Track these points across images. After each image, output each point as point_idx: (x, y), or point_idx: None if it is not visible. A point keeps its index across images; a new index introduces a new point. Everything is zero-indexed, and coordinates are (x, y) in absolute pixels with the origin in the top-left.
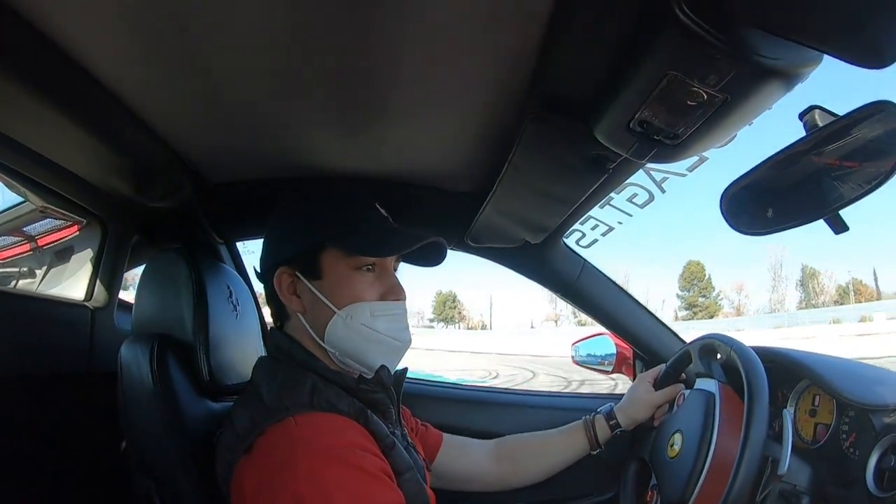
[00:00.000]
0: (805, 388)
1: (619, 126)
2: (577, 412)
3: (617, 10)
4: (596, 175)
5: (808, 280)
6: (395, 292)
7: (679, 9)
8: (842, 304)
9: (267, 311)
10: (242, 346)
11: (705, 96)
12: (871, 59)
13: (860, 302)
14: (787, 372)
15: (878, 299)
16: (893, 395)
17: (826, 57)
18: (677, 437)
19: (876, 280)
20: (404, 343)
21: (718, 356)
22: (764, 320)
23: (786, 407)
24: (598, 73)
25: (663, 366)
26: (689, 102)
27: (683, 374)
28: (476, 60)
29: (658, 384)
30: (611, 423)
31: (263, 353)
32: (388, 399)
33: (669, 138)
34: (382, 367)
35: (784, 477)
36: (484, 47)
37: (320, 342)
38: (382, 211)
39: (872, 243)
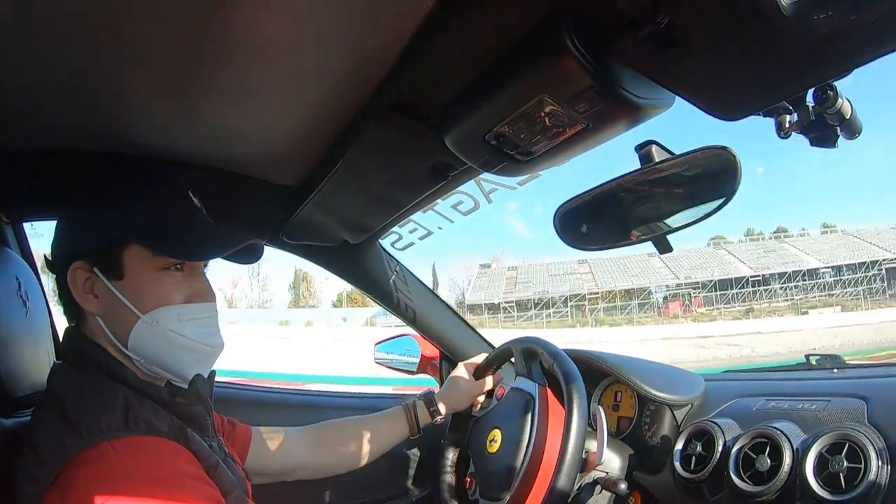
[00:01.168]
0: (607, 385)
1: (473, 137)
2: None
3: (505, 22)
4: (434, 181)
5: (298, 283)
6: (204, 294)
7: (570, 39)
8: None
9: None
10: (35, 349)
11: (568, 121)
12: (723, 111)
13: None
14: (592, 371)
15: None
16: (688, 391)
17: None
18: (496, 434)
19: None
20: (216, 348)
21: (538, 359)
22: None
23: (596, 403)
24: (463, 81)
25: (484, 355)
26: (551, 124)
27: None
28: (328, 50)
29: (477, 374)
30: (431, 409)
31: (55, 359)
32: (205, 411)
33: (522, 154)
34: (198, 376)
35: (599, 466)
36: (343, 37)
37: (123, 349)
38: (196, 201)
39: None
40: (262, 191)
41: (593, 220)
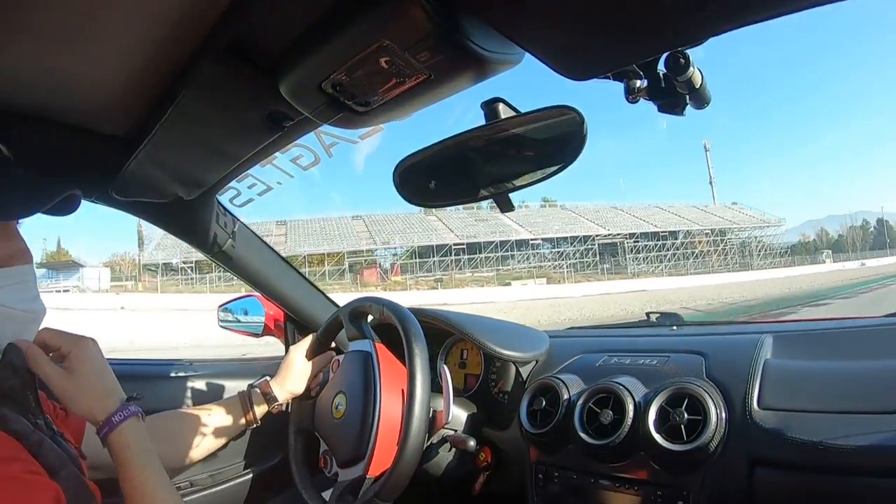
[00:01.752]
0: (452, 343)
1: (309, 84)
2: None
3: None
4: (270, 132)
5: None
6: (19, 255)
7: None
8: None
9: None
10: None
11: (409, 70)
12: (570, 70)
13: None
14: (437, 330)
15: None
16: (533, 348)
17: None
18: (340, 399)
19: None
20: (38, 314)
21: (370, 318)
22: None
23: (441, 362)
24: (300, 25)
25: (314, 335)
26: (391, 73)
27: (334, 343)
28: None
29: (310, 353)
30: (267, 396)
31: None
32: (22, 385)
33: (361, 105)
34: (10, 345)
35: (447, 424)
36: None
37: None
38: (5, 150)
39: None
40: (89, 142)
41: (438, 176)
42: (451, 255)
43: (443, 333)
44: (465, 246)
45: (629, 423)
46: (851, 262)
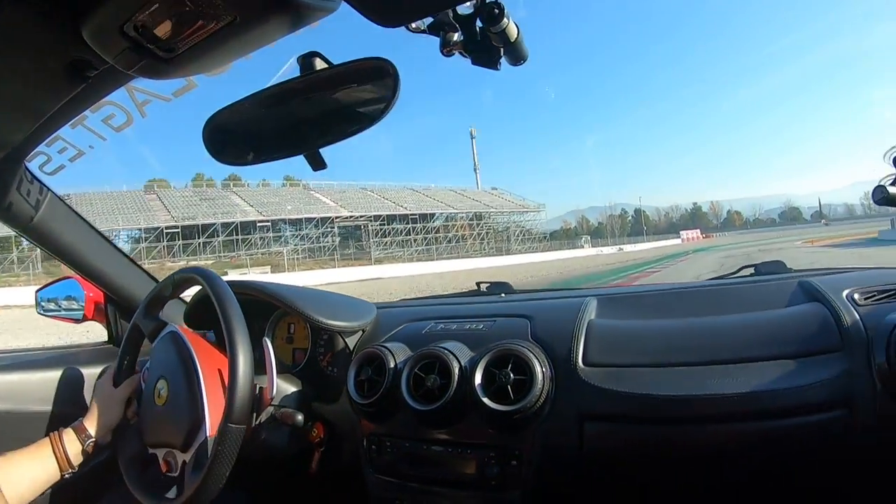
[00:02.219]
0: (279, 317)
1: (111, 27)
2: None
3: None
4: (74, 83)
5: None
6: None
7: None
8: None
9: None
10: None
11: (213, 11)
12: (380, 16)
13: None
14: (262, 304)
15: None
16: (358, 318)
17: None
18: (162, 384)
19: None
20: None
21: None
22: None
23: (264, 337)
24: None
25: (114, 364)
26: (195, 14)
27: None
28: None
29: (117, 379)
30: (82, 436)
31: None
32: None
33: (164, 50)
34: None
35: (273, 401)
36: None
37: None
38: None
39: None
40: None
41: (251, 133)
42: (163, 239)
43: (268, 307)
44: (179, 229)
45: (455, 387)
46: (609, 247)
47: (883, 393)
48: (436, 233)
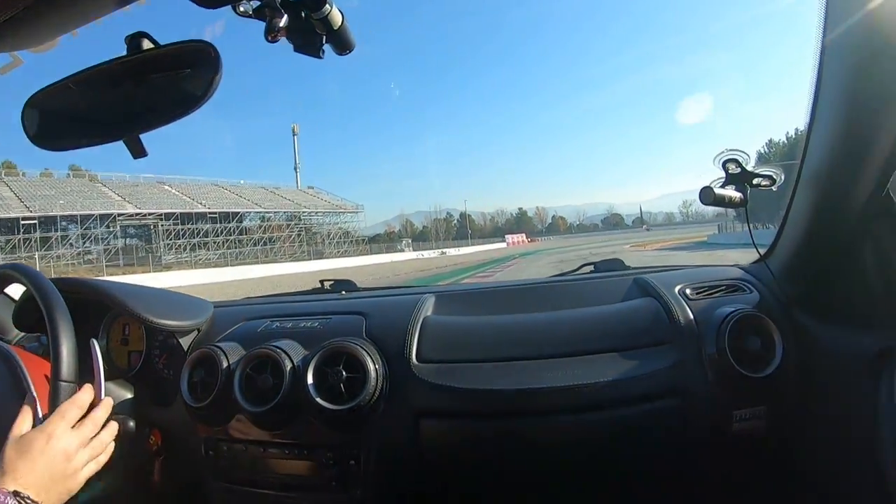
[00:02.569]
0: (113, 318)
1: None
2: None
3: None
4: None
5: None
6: None
7: None
8: None
9: None
10: None
11: None
12: None
13: None
14: (95, 304)
15: None
16: (192, 317)
17: None
18: None
19: None
20: None
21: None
22: None
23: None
24: None
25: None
26: None
27: None
28: None
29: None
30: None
31: None
32: None
33: None
34: None
35: (115, 406)
36: None
37: None
38: None
39: None
40: None
41: (72, 115)
42: None
43: (101, 307)
44: None
45: (288, 387)
46: (431, 251)
47: (713, 381)
48: (245, 234)
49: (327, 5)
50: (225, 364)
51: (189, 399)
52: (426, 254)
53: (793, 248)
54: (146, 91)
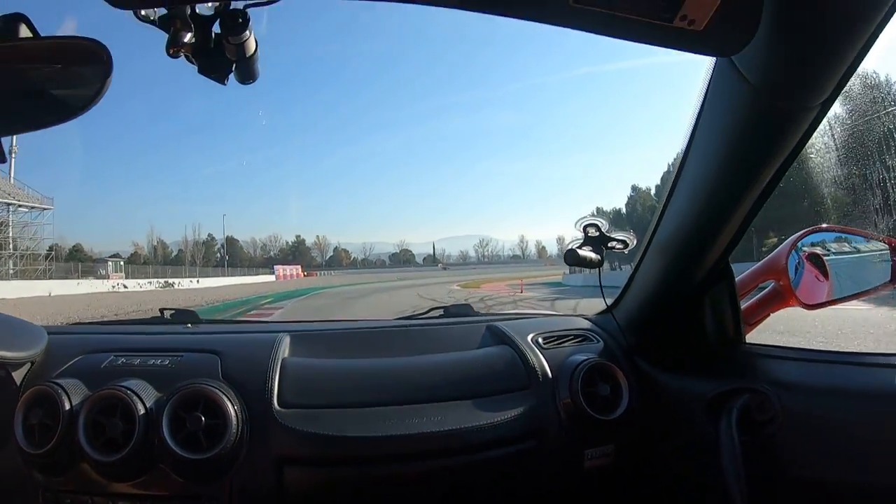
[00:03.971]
0: None
1: None
2: None
3: None
4: None
5: None
6: None
7: None
8: None
9: None
10: None
11: None
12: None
13: None
14: None
15: None
16: (25, 346)
17: None
18: None
19: None
20: None
21: None
22: None
23: None
24: None
25: None
26: None
27: None
28: None
29: None
30: None
31: None
32: None
33: None
34: None
35: None
36: None
37: None
38: None
39: None
40: None
41: None
42: None
43: None
44: None
45: (140, 434)
46: (152, 280)
47: (567, 424)
48: None
49: (247, 32)
50: (67, 405)
51: (25, 444)
52: (143, 283)
53: (636, 303)
54: (18, 88)
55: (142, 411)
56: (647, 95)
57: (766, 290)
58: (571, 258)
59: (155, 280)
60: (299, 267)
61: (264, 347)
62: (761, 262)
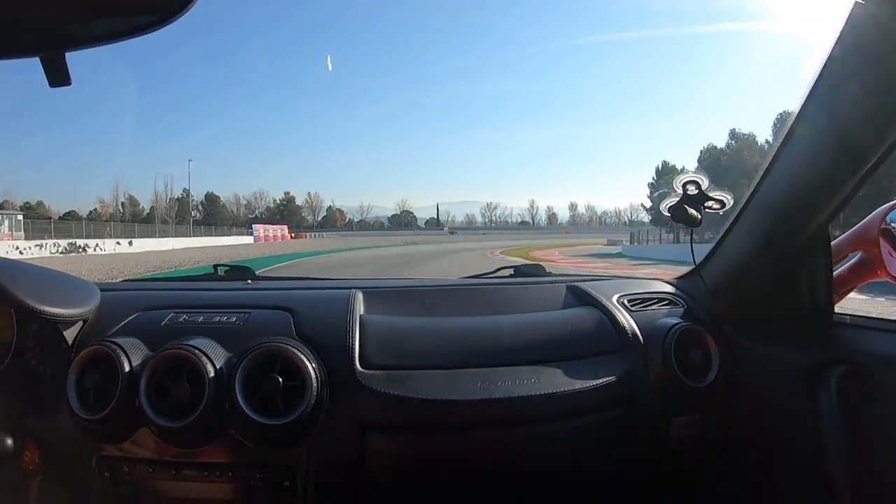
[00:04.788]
0: None
1: None
2: None
3: None
4: None
5: None
6: None
7: None
8: None
9: None
10: None
11: None
12: None
13: None
14: None
15: None
16: (78, 303)
17: None
18: None
19: None
20: None
21: None
22: None
23: None
24: None
25: None
26: None
27: None
28: None
29: None
30: None
31: None
32: None
33: None
34: None
35: None
36: None
37: None
38: None
39: None
40: None
41: None
42: None
43: None
44: None
45: (210, 397)
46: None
47: (657, 391)
48: None
49: None
50: (126, 366)
51: (80, 409)
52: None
53: (728, 266)
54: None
55: (212, 373)
56: (672, 67)
57: (854, 259)
58: (678, 215)
59: (62, 242)
60: (286, 227)
61: (339, 303)
62: (851, 230)
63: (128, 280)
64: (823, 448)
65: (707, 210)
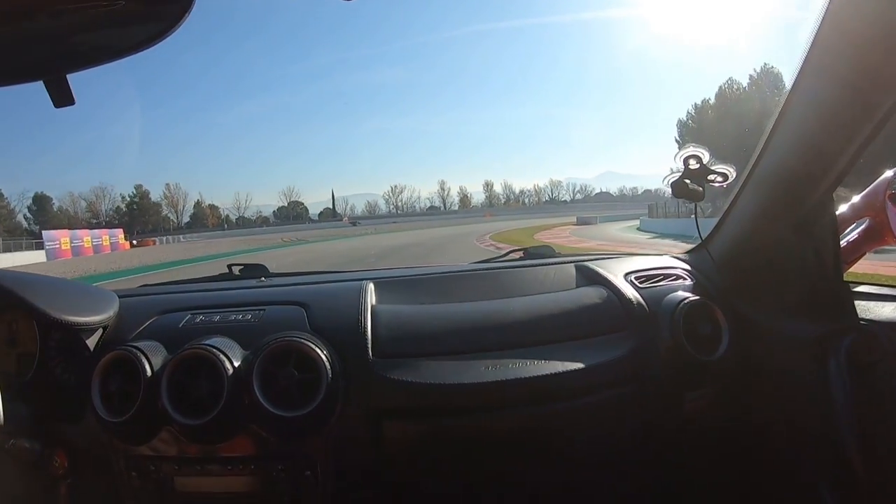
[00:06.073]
0: None
1: None
2: None
3: None
4: None
5: None
6: None
7: None
8: None
9: None
10: None
11: None
12: None
13: None
14: None
15: None
16: (97, 310)
17: None
18: None
19: None
20: None
21: None
22: None
23: None
24: None
25: None
26: None
27: None
28: None
29: None
30: None
31: None
32: None
33: None
34: None
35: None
36: None
37: None
38: None
39: None
40: None
41: None
42: None
43: None
44: None
45: (231, 393)
46: None
47: (668, 366)
48: None
49: None
50: (148, 369)
51: (104, 413)
52: None
53: (733, 238)
54: (78, 21)
55: (230, 370)
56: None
57: (861, 227)
58: (679, 190)
59: None
60: (120, 232)
61: (351, 295)
62: (857, 197)
63: (145, 285)
64: (834, 416)
65: (710, 184)
